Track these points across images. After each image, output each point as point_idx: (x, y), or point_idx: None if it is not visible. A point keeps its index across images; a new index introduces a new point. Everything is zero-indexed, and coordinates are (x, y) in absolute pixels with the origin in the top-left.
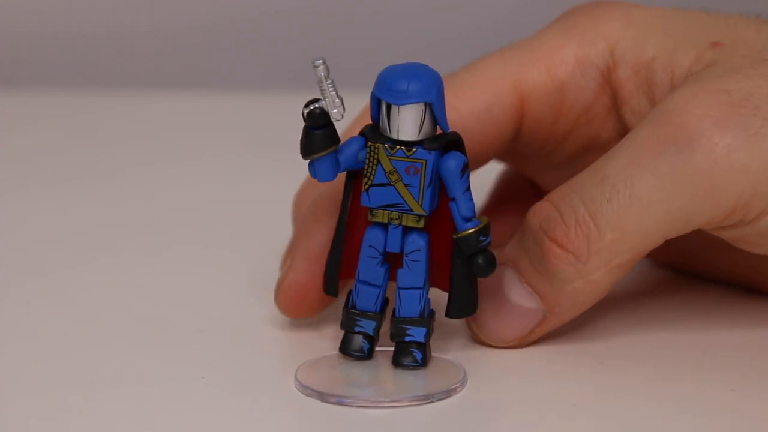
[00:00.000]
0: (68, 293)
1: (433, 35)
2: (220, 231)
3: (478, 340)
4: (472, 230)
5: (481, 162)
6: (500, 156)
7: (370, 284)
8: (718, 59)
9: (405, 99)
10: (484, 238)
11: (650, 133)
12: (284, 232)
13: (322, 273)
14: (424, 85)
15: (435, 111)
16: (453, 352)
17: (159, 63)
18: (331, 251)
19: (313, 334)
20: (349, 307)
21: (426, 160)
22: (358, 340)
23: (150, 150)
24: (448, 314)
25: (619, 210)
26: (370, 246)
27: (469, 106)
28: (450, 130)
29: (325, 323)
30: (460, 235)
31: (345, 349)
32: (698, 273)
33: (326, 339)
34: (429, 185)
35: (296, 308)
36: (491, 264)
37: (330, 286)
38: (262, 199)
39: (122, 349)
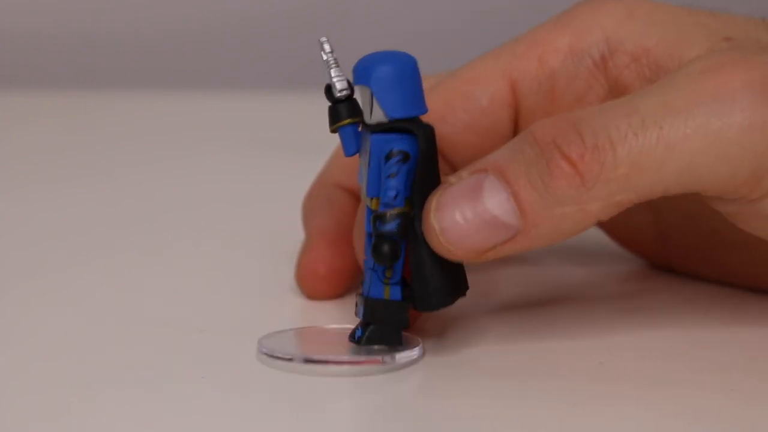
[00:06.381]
0: (68, 293)
1: (437, 32)
2: (219, 230)
3: (434, 241)
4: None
5: None
6: None
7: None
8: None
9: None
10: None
11: (687, 82)
12: (284, 231)
13: (326, 253)
14: (365, 68)
15: (377, 97)
16: (448, 353)
17: (159, 63)
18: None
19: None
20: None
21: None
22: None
23: (150, 150)
24: (415, 308)
25: (643, 147)
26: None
27: (463, 104)
28: (396, 117)
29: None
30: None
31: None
32: (697, 273)
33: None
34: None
35: (313, 289)
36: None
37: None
38: (262, 198)
39: (122, 349)
